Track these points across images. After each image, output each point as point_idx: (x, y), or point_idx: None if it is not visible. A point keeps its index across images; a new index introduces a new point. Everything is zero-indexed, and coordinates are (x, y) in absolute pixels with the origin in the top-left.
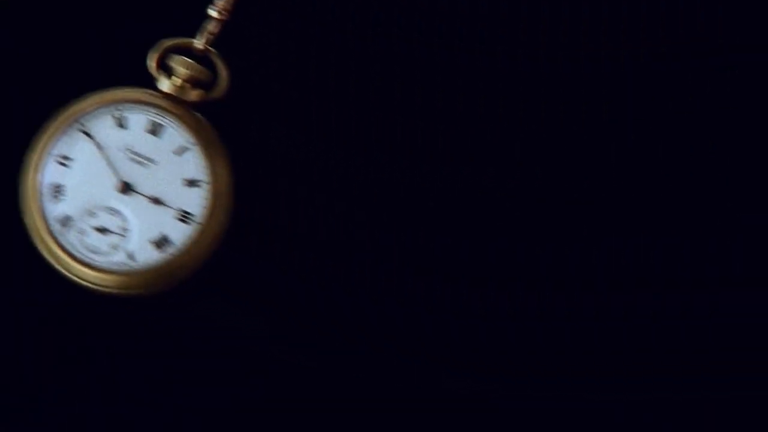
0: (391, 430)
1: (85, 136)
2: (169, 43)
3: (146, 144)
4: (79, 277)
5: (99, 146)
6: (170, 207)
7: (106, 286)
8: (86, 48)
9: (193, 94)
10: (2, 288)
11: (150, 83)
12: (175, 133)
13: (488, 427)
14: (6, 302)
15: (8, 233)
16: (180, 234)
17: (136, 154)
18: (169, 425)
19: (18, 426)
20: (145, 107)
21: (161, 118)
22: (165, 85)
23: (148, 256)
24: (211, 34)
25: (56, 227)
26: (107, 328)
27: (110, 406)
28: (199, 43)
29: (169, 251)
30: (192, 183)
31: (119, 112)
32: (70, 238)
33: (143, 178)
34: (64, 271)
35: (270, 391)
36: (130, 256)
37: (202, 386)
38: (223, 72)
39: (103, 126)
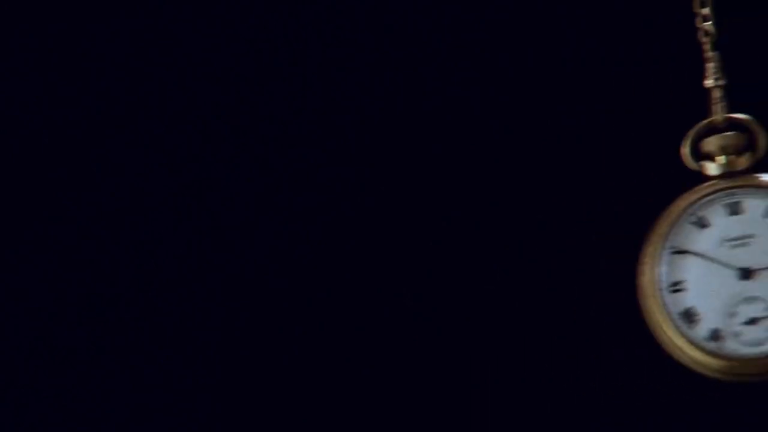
0: None
1: (681, 255)
2: (693, 131)
3: (736, 226)
4: (757, 375)
5: (700, 255)
6: None
7: None
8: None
9: (742, 161)
10: None
11: (694, 178)
12: (755, 201)
13: None
14: None
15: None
16: None
17: (733, 239)
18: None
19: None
20: (712, 197)
21: (733, 197)
22: (713, 168)
23: None
24: (720, 102)
25: (710, 345)
26: None
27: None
28: (717, 115)
29: None
30: None
31: (695, 216)
32: (730, 345)
33: (754, 255)
34: (735, 377)
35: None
36: None
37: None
38: (756, 129)
39: (690, 236)
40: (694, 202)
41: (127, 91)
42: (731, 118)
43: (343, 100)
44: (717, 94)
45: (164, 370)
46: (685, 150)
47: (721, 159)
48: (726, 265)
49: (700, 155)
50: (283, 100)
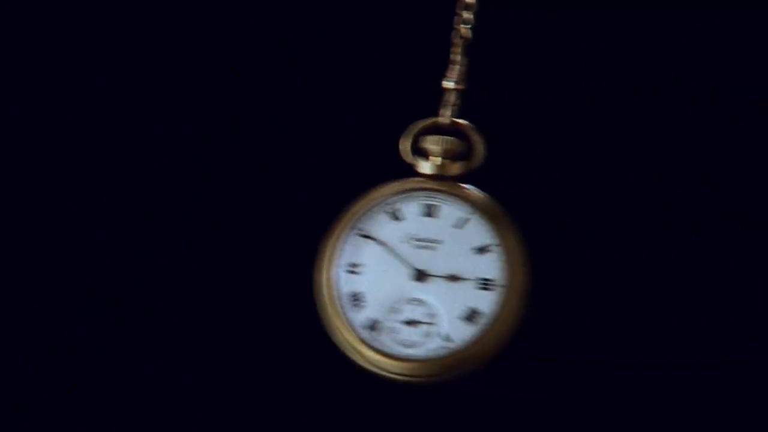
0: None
1: (366, 240)
2: (418, 126)
3: (426, 227)
4: (398, 374)
5: (382, 244)
6: (468, 279)
7: (431, 375)
8: (347, 150)
9: (455, 168)
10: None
11: (407, 170)
12: (451, 208)
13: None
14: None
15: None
16: (487, 302)
17: (419, 240)
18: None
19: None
20: (414, 194)
21: (432, 199)
22: (425, 167)
23: (464, 333)
24: (454, 105)
25: (365, 333)
26: None
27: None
28: (444, 117)
29: (482, 322)
30: (482, 250)
31: (390, 207)
32: (383, 340)
33: (434, 261)
34: (381, 371)
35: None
36: (446, 339)
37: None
38: (476, 138)
39: (380, 224)
40: (395, 193)
41: (127, 91)
42: (457, 123)
43: (343, 100)
44: (452, 97)
45: (164, 370)
46: (405, 142)
47: (436, 160)
48: (404, 261)
49: (419, 152)
50: (283, 100)
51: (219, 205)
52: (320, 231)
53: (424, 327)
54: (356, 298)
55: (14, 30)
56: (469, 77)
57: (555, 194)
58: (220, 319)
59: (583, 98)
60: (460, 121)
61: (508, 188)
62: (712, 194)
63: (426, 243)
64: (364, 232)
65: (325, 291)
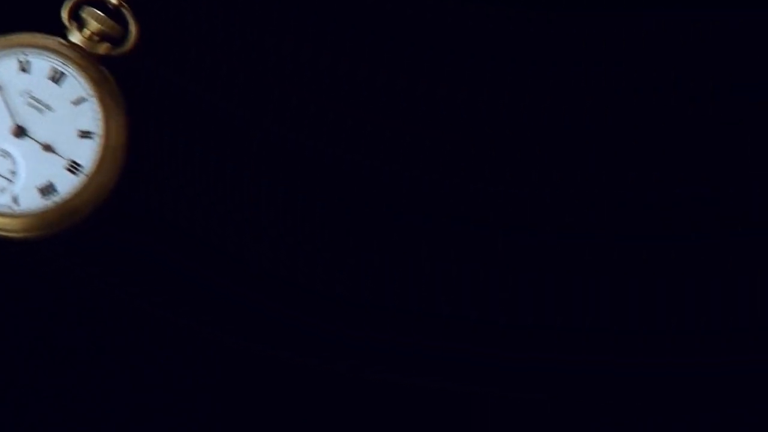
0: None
1: None
2: None
3: (46, 90)
4: None
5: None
6: (61, 156)
7: None
8: None
9: (101, 48)
10: None
11: (61, 32)
12: (76, 84)
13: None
14: None
15: None
16: (66, 184)
17: (34, 99)
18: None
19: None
20: (51, 54)
21: (64, 67)
22: (74, 36)
23: (32, 202)
24: None
25: None
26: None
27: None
28: None
29: (53, 199)
30: (85, 134)
31: (24, 56)
32: None
33: (38, 124)
34: None
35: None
36: (15, 200)
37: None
38: (133, 28)
39: (7, 68)
40: (33, 45)
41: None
42: (122, 6)
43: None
44: None
45: (164, 370)
46: (67, 5)
47: (86, 33)
48: (10, 111)
49: (79, 20)
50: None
51: (219, 205)
52: (320, 231)
53: (0, 180)
54: None
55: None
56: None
57: (555, 194)
58: (219, 319)
59: (583, 98)
60: (125, 5)
61: (508, 188)
62: (712, 194)
63: (39, 104)
64: None
65: None
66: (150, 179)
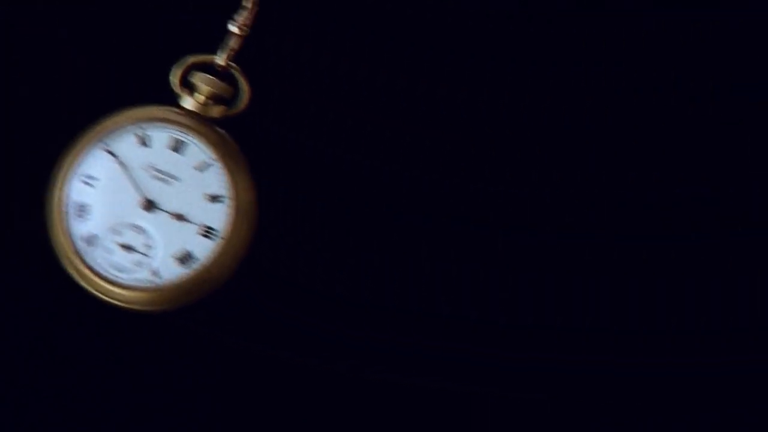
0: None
1: (108, 155)
2: (191, 60)
3: (169, 161)
4: (105, 295)
5: (122, 165)
6: (193, 223)
7: (132, 303)
8: (109, 64)
9: (216, 111)
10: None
11: (173, 100)
12: (198, 150)
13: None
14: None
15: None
16: (203, 249)
17: (159, 171)
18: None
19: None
20: (168, 125)
21: (184, 135)
22: (188, 102)
23: (173, 272)
24: (232, 50)
25: (82, 246)
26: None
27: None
28: (220, 59)
29: (193, 267)
30: (215, 198)
31: (142, 131)
32: (96, 257)
33: (166, 195)
34: (90, 288)
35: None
36: (155, 273)
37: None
38: (244, 87)
39: (127, 145)
40: (150, 119)
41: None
42: (230, 67)
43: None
44: (233, 41)
45: (164, 370)
46: (176, 72)
47: (200, 98)
48: (137, 187)
49: (189, 87)
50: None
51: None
52: (319, 231)
53: (137, 255)
54: (83, 209)
55: (40, 46)
56: (421, 77)
57: (555, 194)
58: (219, 319)
59: (583, 98)
60: (234, 65)
61: (508, 188)
62: (712, 194)
63: (164, 176)
64: (108, 148)
65: (55, 196)
66: None
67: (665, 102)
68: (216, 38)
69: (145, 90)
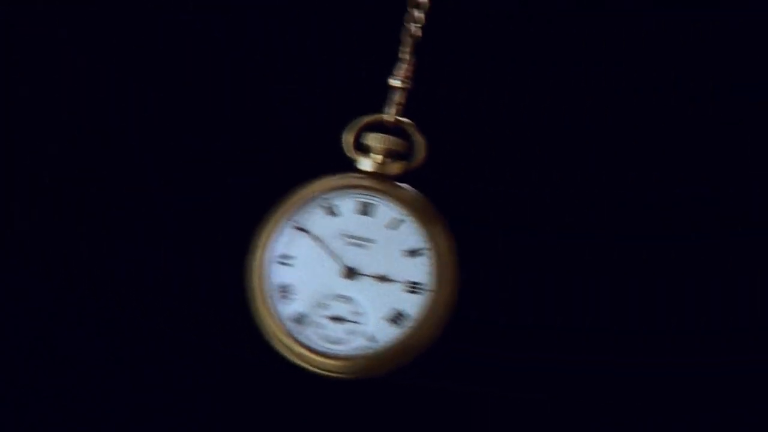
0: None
1: (300, 232)
2: (361, 122)
3: (361, 226)
4: (322, 369)
5: (316, 239)
6: (397, 281)
7: (354, 373)
8: (109, 64)
9: (395, 168)
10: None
11: (348, 165)
12: (386, 209)
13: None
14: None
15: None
16: (413, 306)
17: (353, 237)
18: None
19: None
20: (352, 190)
21: (369, 197)
22: (365, 164)
23: (388, 334)
24: (399, 104)
25: (292, 326)
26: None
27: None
28: (389, 116)
29: (407, 324)
30: (414, 253)
31: (328, 201)
32: (309, 334)
33: (365, 260)
34: (306, 365)
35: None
36: (371, 339)
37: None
38: (419, 139)
39: (316, 218)
40: (333, 188)
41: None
42: (400, 122)
43: (292, 90)
44: (397, 95)
45: (164, 370)
46: (348, 137)
47: (377, 158)
48: (335, 257)
49: (362, 148)
50: (227, 87)
51: (219, 204)
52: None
53: (349, 325)
54: (285, 290)
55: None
56: (418, 76)
57: (555, 194)
58: (219, 319)
59: (583, 98)
60: (404, 120)
61: (508, 188)
62: (712, 194)
63: (359, 241)
64: (298, 225)
65: (255, 281)
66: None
67: (665, 102)
68: (216, 38)
69: (146, 90)
